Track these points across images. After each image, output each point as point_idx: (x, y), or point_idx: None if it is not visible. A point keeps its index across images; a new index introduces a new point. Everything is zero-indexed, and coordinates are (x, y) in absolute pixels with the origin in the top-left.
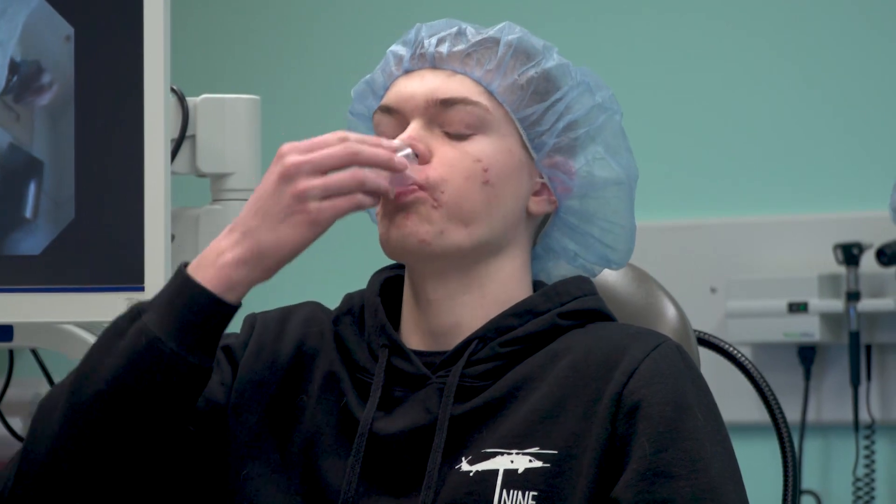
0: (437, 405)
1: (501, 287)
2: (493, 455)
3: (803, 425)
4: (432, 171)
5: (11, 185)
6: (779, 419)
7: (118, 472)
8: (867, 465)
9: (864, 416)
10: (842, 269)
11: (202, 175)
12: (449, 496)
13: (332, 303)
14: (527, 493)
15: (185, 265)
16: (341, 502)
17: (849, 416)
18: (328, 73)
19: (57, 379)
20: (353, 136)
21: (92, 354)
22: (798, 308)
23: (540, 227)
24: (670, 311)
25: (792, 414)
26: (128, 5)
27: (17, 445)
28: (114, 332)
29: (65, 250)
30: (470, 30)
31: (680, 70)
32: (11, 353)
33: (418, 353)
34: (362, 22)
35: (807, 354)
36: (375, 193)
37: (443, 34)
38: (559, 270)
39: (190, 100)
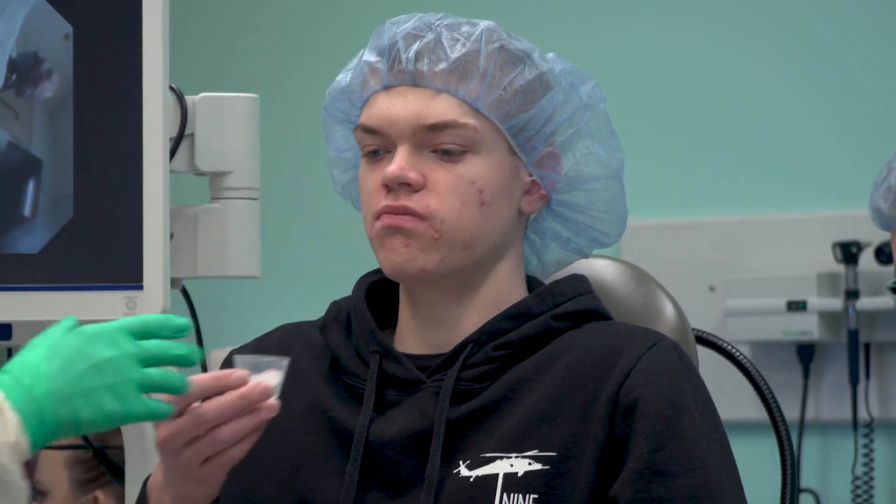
0: (433, 409)
1: (498, 290)
2: (493, 459)
3: (802, 424)
4: (430, 200)
5: (10, 183)
6: (777, 418)
7: None
8: (866, 464)
9: (862, 415)
10: (840, 268)
11: (201, 173)
12: (449, 501)
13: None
14: (527, 496)
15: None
16: None
17: (847, 414)
18: (327, 72)
19: None
20: (211, 409)
21: None
22: (797, 306)
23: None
24: (669, 309)
25: (790, 412)
26: (127, 4)
27: None
28: None
29: (63, 249)
30: (446, 36)
31: (679, 69)
32: (10, 351)
33: (413, 357)
34: (361, 20)
35: (805, 353)
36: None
37: (420, 46)
38: (551, 256)
39: (189, 98)
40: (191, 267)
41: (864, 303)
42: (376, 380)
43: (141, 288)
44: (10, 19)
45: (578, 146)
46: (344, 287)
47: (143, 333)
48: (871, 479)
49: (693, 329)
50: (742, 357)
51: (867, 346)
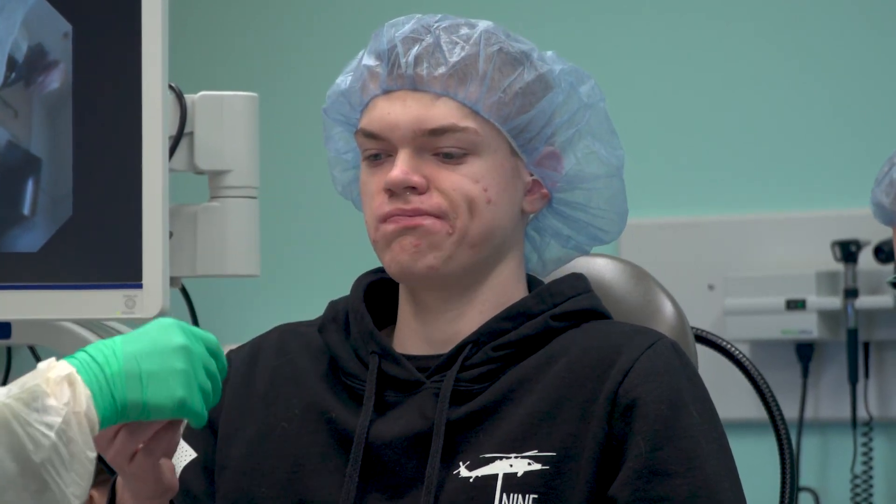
0: (433, 410)
1: (500, 291)
2: (492, 460)
3: (801, 422)
4: (440, 199)
5: (9, 182)
6: (776, 416)
7: None
8: (865, 463)
9: (861, 414)
10: (840, 267)
11: (200, 172)
12: (448, 502)
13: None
14: (527, 496)
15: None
16: None
17: (847, 413)
18: (327, 71)
19: None
20: None
21: None
22: (796, 305)
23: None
24: (668, 308)
25: (790, 411)
26: (126, 3)
27: None
28: None
29: (63, 247)
30: (445, 40)
31: (678, 68)
32: (9, 350)
33: (413, 358)
34: (360, 19)
35: (805, 352)
36: None
37: (419, 50)
38: (551, 253)
39: (188, 97)
40: (190, 266)
41: (864, 301)
42: (375, 381)
43: (140, 287)
44: (9, 18)
45: (579, 145)
46: (343, 286)
47: (206, 345)
48: (871, 477)
49: (692, 328)
50: (741, 356)
51: (866, 344)
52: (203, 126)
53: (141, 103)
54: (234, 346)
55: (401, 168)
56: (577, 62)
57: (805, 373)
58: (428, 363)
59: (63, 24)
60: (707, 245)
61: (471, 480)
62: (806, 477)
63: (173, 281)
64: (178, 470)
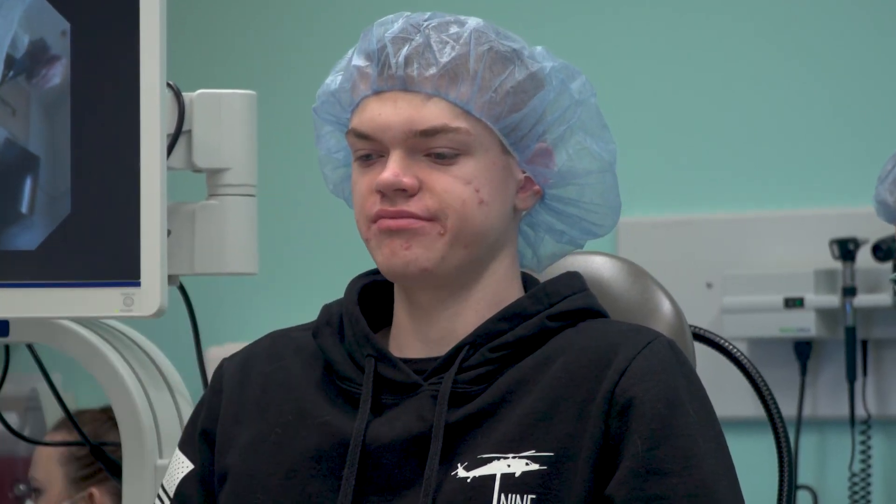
0: (431, 412)
1: (494, 289)
2: (490, 460)
3: (799, 421)
4: (430, 201)
5: (7, 180)
6: (774, 414)
7: None
8: (863, 461)
9: (860, 412)
10: (838, 265)
11: (198, 170)
12: (446, 502)
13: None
14: (525, 496)
15: None
16: None
17: (845, 411)
18: (325, 69)
19: (53, 374)
20: None
21: None
22: (794, 303)
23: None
24: (666, 306)
25: (788, 409)
26: (124, 1)
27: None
28: None
29: (61, 245)
30: (435, 39)
31: (676, 66)
32: (7, 348)
33: (410, 360)
34: (359, 17)
35: (803, 350)
36: None
37: (409, 50)
38: (545, 249)
39: (186, 95)
40: (188, 264)
41: (862, 299)
42: (372, 383)
43: (138, 285)
44: (6, 16)
45: (571, 142)
46: (341, 284)
47: None
48: (869, 475)
49: (690, 326)
50: (739, 354)
51: (864, 342)
52: (201, 124)
53: (139, 101)
54: (232, 345)
55: (392, 170)
56: (574, 60)
57: (803, 371)
58: (424, 365)
59: (61, 21)
60: (705, 243)
61: (468, 481)
62: (804, 475)
63: (171, 279)
64: (177, 482)
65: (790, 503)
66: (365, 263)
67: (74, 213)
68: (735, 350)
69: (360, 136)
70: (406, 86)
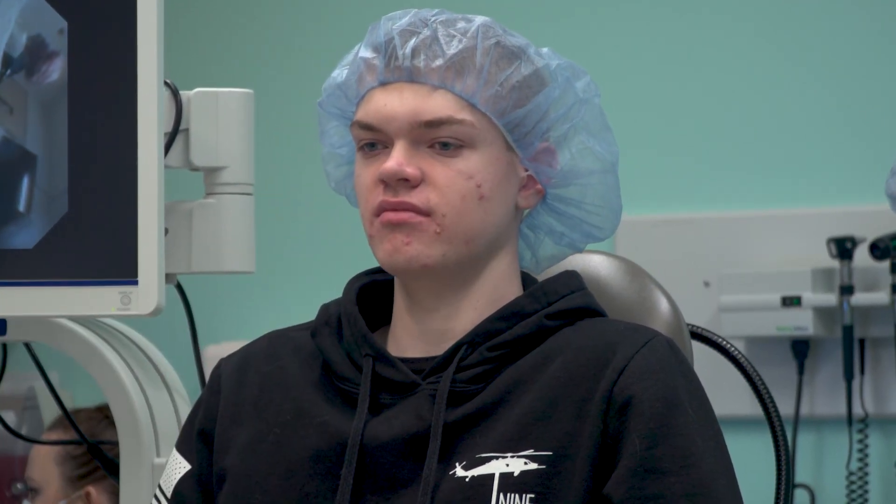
0: (429, 412)
1: (494, 287)
2: (488, 459)
3: (797, 419)
4: (431, 195)
5: (4, 178)
6: (772, 413)
7: None
8: (861, 459)
9: (857, 410)
10: (835, 263)
11: (195, 169)
12: (445, 502)
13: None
14: (524, 495)
15: None
16: None
17: (842, 409)
18: (322, 68)
19: (50, 373)
20: None
21: None
22: (791, 302)
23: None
24: (663, 304)
25: (785, 408)
26: None
27: (10, 439)
28: None
29: (58, 244)
30: (442, 33)
31: (675, 65)
32: (5, 346)
33: (408, 360)
34: (357, 16)
35: (800, 348)
36: None
37: (416, 42)
38: (545, 250)
39: (183, 93)
40: (185, 262)
41: (859, 298)
42: (370, 383)
43: (136, 283)
44: (3, 14)
45: (574, 141)
46: (339, 283)
47: None
48: (866, 474)
49: (688, 324)
50: (737, 352)
51: (862, 341)
52: (198, 123)
53: (136, 100)
54: (229, 344)
55: (396, 159)
56: (574, 59)
57: (801, 369)
58: (423, 365)
59: (58, 20)
60: (703, 242)
61: (467, 480)
62: (801, 473)
63: (169, 277)
64: (174, 482)
65: (788, 502)
66: (363, 262)
67: (72, 211)
68: (733, 349)
69: (365, 126)
70: (412, 77)
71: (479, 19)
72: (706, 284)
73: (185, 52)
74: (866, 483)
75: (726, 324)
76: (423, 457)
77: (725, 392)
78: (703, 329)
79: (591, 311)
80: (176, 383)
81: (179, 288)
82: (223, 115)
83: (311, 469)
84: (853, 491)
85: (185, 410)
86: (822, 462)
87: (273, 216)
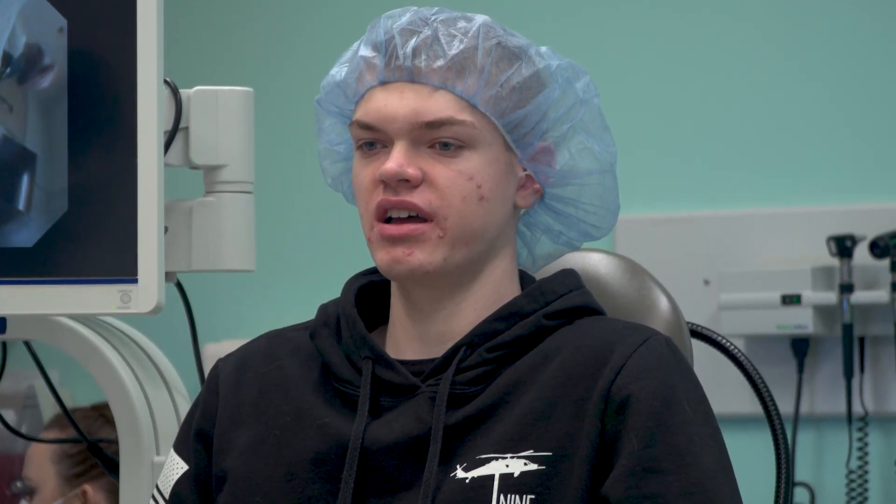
0: (429, 414)
1: (493, 287)
2: (488, 460)
3: (796, 417)
4: (432, 196)
5: (4, 177)
6: (772, 411)
7: None
8: (860, 458)
9: (857, 409)
10: (835, 262)
11: (195, 167)
12: (445, 503)
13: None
14: (524, 496)
15: None
16: None
17: (842, 408)
18: (322, 66)
19: (50, 371)
20: None
21: None
22: (791, 300)
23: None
24: (663, 303)
25: (785, 406)
26: None
27: (10, 437)
28: None
29: (58, 242)
30: (443, 32)
31: (674, 64)
32: (4, 345)
33: (407, 362)
34: (357, 14)
35: (800, 347)
36: None
37: (417, 42)
38: (542, 249)
39: (183, 92)
40: (185, 260)
41: (859, 296)
42: (370, 385)
43: (135, 282)
44: (3, 13)
45: (573, 141)
46: (338, 281)
47: None
48: (866, 472)
49: (687, 323)
50: (737, 351)
51: (861, 339)
52: (198, 121)
53: (136, 98)
54: (229, 342)
55: (396, 160)
56: (573, 58)
57: (800, 368)
58: (422, 367)
59: (58, 18)
60: (702, 240)
61: (467, 482)
62: (801, 472)
63: (168, 276)
64: (172, 483)
65: (787, 500)
66: (362, 260)
67: (71, 210)
68: (732, 347)
69: (365, 126)
70: (413, 77)
71: (480, 18)
72: (706, 283)
73: (184, 51)
74: (866, 481)
75: (726, 322)
76: (424, 459)
77: (725, 391)
78: (702, 327)
79: (589, 310)
80: (176, 382)
81: (179, 286)
82: (223, 113)
83: (312, 472)
84: (853, 489)
85: (185, 409)
86: (821, 460)
87: (273, 214)
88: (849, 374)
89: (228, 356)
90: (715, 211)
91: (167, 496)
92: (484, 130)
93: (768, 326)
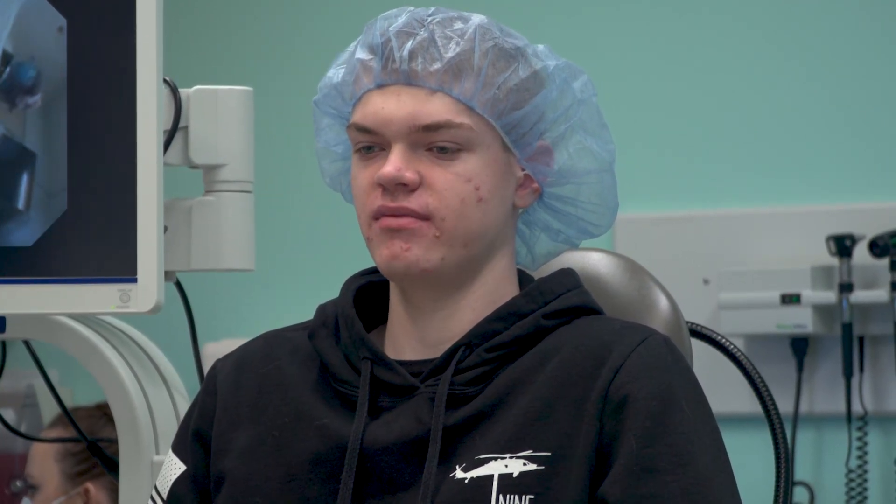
0: (429, 415)
1: (492, 287)
2: (487, 461)
3: (796, 417)
4: (429, 199)
5: (4, 176)
6: (771, 411)
7: None
8: (860, 457)
9: (856, 408)
10: (834, 261)
11: (195, 166)
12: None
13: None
14: (523, 496)
15: None
16: None
17: (841, 407)
18: (321, 65)
19: (50, 370)
20: None
21: None
22: (791, 300)
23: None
24: (663, 302)
25: (785, 405)
26: None
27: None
28: None
29: (57, 242)
30: (439, 34)
31: (674, 63)
32: (4, 344)
33: (405, 362)
34: (356, 14)
35: (799, 346)
36: None
37: (413, 44)
38: (541, 247)
39: (182, 91)
40: (185, 260)
41: (858, 296)
42: (368, 386)
43: (135, 281)
44: (3, 12)
45: (571, 140)
46: (337, 281)
47: None
48: (865, 472)
49: (687, 322)
50: (736, 350)
51: (861, 339)
52: (198, 120)
53: (135, 97)
54: (228, 342)
55: (394, 164)
56: (572, 57)
57: (800, 367)
58: (421, 367)
59: (58, 18)
60: (702, 239)
61: (466, 482)
62: (801, 471)
63: (168, 275)
64: (170, 483)
65: (787, 499)
66: (361, 260)
67: (71, 209)
68: (732, 346)
69: (362, 129)
70: (410, 80)
71: (476, 19)
72: (705, 282)
73: (184, 50)
74: (865, 480)
75: (726, 321)
76: (423, 460)
77: (725, 390)
78: (702, 327)
79: (587, 310)
80: (175, 381)
81: (179, 285)
82: (222, 112)
83: (312, 473)
84: (852, 488)
85: (184, 408)
86: (821, 460)
87: (272, 214)
88: (848, 374)
89: (227, 356)
90: (714, 210)
91: (165, 496)
92: (482, 132)
93: (768, 326)
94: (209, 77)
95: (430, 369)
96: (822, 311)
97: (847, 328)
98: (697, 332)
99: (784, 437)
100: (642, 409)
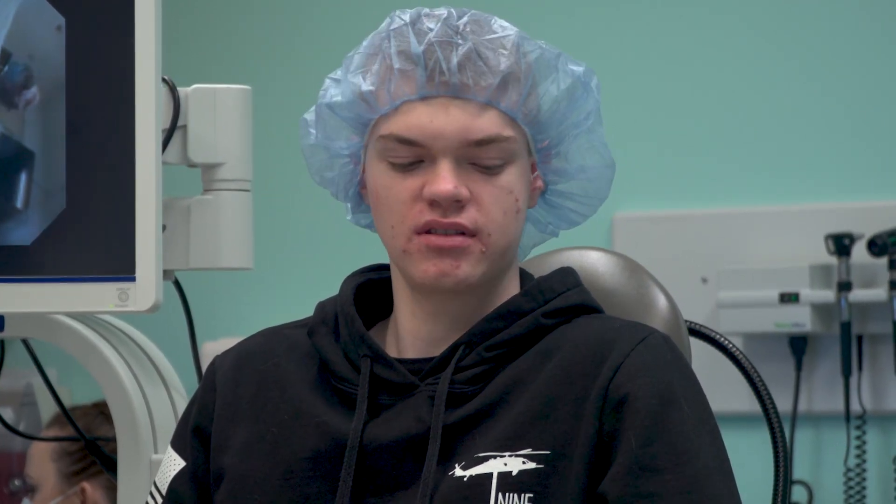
0: (428, 413)
1: (502, 289)
2: (487, 459)
3: (795, 416)
4: (478, 214)
5: (2, 175)
6: (770, 410)
7: None
8: (858, 456)
9: (855, 407)
10: (833, 260)
11: (193, 165)
12: (444, 502)
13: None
14: (522, 494)
15: None
16: None
17: (840, 406)
18: (320, 63)
19: (48, 369)
20: None
21: None
22: (789, 298)
23: None
24: (661, 301)
25: (783, 404)
26: None
27: (9, 436)
28: None
29: (56, 240)
30: (482, 45)
31: (673, 62)
32: (2, 343)
33: (406, 360)
34: (355, 12)
35: (798, 345)
36: None
37: (460, 57)
38: (528, 239)
39: (181, 90)
40: (183, 259)
41: (857, 295)
42: (368, 384)
43: (133, 280)
44: (2, 11)
45: (584, 142)
46: (336, 279)
47: None
48: (864, 471)
49: (686, 321)
50: (735, 349)
51: (860, 338)
52: (196, 119)
53: (134, 96)
54: (227, 340)
55: (450, 181)
56: (573, 54)
57: (798, 366)
58: (421, 365)
59: (56, 16)
60: (700, 238)
61: (465, 480)
62: (799, 470)
63: (166, 274)
64: (169, 479)
65: (785, 498)
66: (360, 258)
67: (69, 208)
68: (730, 345)
69: (405, 141)
70: (458, 93)
71: (511, 30)
72: (704, 281)
73: (182, 49)
74: (864, 479)
75: (724, 320)
76: (423, 458)
77: (723, 389)
78: (701, 325)
79: (587, 309)
80: (173, 380)
81: (177, 284)
82: (221, 111)
83: (310, 470)
84: (851, 487)
85: (183, 406)
86: (820, 458)
87: (271, 212)
88: (847, 373)
89: (225, 353)
90: (713, 209)
91: (164, 493)
92: (520, 143)
93: (766, 324)
94: (208, 76)
95: (429, 368)
96: (820, 309)
97: (846, 327)
98: (696, 331)
99: (783, 436)
100: (642, 407)
